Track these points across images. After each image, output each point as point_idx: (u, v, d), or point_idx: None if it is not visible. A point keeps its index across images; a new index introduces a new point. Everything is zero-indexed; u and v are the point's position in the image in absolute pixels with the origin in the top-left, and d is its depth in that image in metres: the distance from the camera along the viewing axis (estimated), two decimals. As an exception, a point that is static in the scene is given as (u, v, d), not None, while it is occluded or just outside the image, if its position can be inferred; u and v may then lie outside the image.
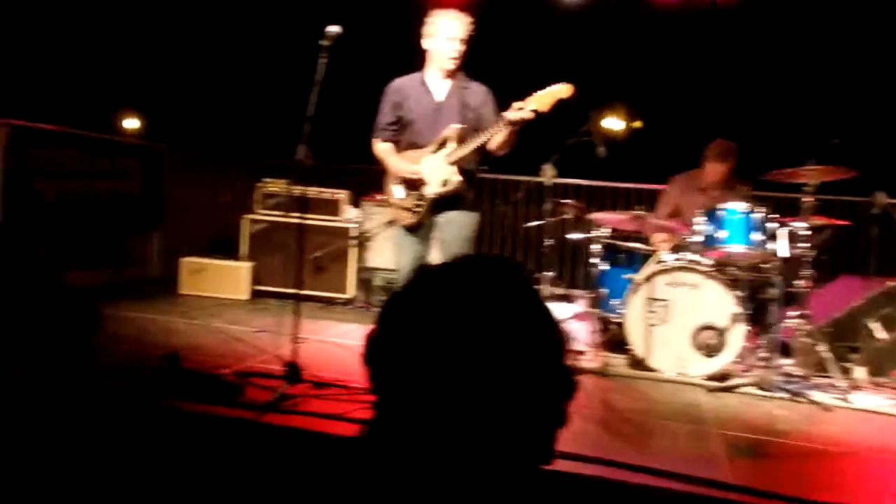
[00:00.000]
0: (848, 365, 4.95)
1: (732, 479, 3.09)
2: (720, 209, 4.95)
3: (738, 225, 4.88)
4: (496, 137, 4.18)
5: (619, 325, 5.12)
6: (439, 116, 4.35)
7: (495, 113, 4.31)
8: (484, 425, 0.90)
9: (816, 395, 4.50)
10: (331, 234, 6.79)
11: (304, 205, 6.53)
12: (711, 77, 8.29)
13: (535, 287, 1.00)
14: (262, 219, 6.86)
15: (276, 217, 6.83)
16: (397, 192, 4.42)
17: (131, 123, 12.76)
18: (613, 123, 12.92)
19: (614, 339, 5.26)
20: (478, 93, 4.39)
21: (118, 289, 6.51)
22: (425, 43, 4.34)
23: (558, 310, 5.47)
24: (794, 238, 4.81)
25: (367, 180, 8.10)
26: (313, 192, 6.85)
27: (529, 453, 0.95)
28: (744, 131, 5.94)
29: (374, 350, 0.97)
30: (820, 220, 4.90)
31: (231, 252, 6.93)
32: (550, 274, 6.94)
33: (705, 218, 5.01)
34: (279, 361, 3.96)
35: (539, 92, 4.08)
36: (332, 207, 6.94)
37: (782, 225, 4.85)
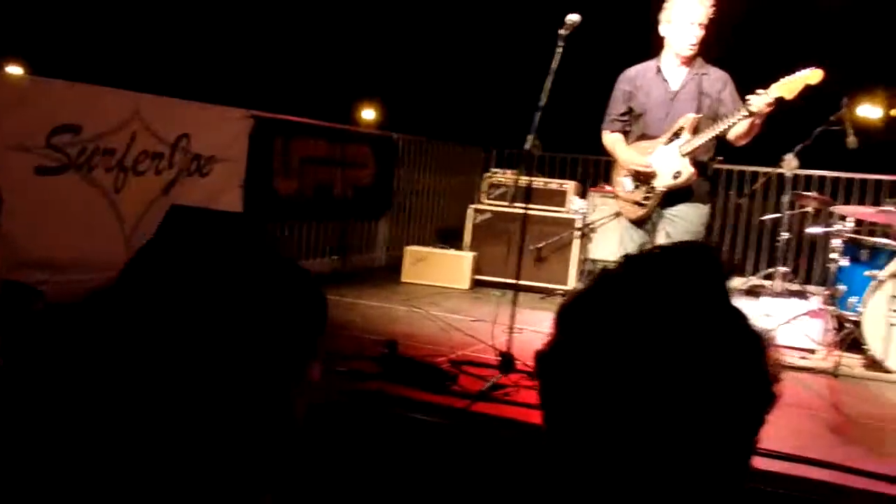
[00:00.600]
0: None
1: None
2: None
3: None
4: (736, 127, 4.02)
5: (857, 323, 4.84)
6: (674, 106, 4.21)
7: (735, 100, 4.14)
8: (670, 446, 0.81)
9: None
10: (555, 225, 6.88)
11: (530, 195, 6.73)
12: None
13: (729, 281, 0.89)
14: (487, 209, 7.04)
15: (501, 207, 6.98)
16: (626, 184, 4.34)
17: (368, 114, 13.62)
18: (869, 111, 11.91)
19: (850, 339, 4.97)
20: (716, 79, 4.21)
21: (344, 276, 6.68)
22: (662, 29, 4.19)
23: (791, 306, 5.35)
24: None
25: (595, 171, 8.19)
26: (540, 182, 6.94)
27: (725, 475, 0.85)
28: None
29: (549, 360, 0.89)
30: None
31: (456, 241, 7.19)
32: (784, 269, 6.65)
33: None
34: (494, 351, 3.99)
35: (785, 77, 3.90)
36: (558, 198, 7.02)
37: None
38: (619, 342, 0.83)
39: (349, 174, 7.09)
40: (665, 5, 4.16)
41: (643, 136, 4.32)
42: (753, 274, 7.54)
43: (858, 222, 5.50)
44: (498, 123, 7.58)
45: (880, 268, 4.87)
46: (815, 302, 5.50)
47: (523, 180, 4.58)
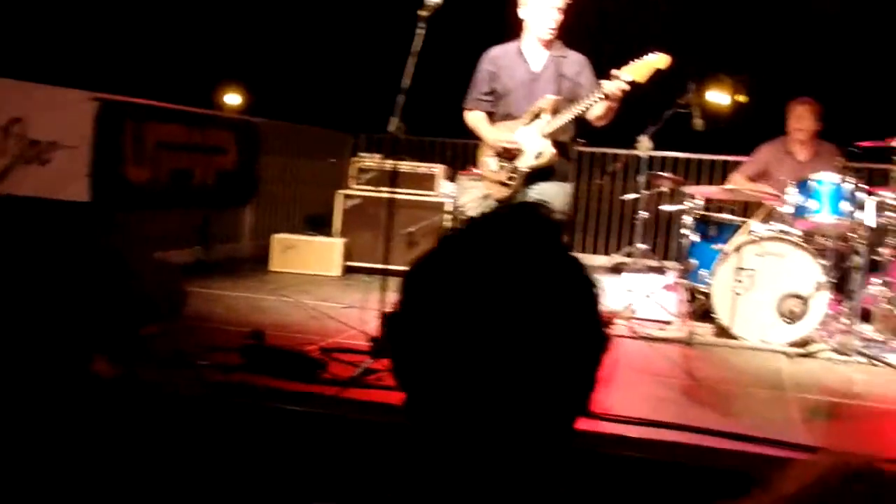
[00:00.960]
0: None
1: (807, 440, 3.15)
2: (811, 179, 4.96)
3: (829, 195, 4.89)
4: (594, 109, 4.17)
5: (707, 295, 5.15)
6: (535, 87, 4.33)
7: (593, 83, 4.29)
8: (515, 388, 0.85)
9: (893, 359, 4.52)
10: (426, 209, 6.90)
11: (397, 179, 6.75)
12: (815, 51, 8.04)
13: (564, 236, 0.94)
14: (356, 194, 6.99)
15: (370, 192, 6.94)
16: (491, 164, 4.43)
17: (233, 99, 13.18)
18: (718, 97, 12.62)
19: (702, 309, 5.30)
20: (575, 62, 4.36)
21: (209, 267, 6.49)
22: (522, 11, 4.30)
23: (649, 281, 5.63)
24: (881, 208, 4.84)
25: (463, 154, 8.31)
26: (408, 166, 6.96)
27: (566, 411, 0.91)
28: (833, 103, 5.83)
29: (397, 326, 0.91)
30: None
31: (325, 228, 7.09)
32: (643, 246, 6.98)
33: (796, 188, 5.03)
34: (366, 337, 3.95)
35: (635, 61, 4.10)
36: (427, 182, 7.05)
37: (870, 194, 4.86)
38: (459, 297, 0.86)
39: (210, 160, 6.84)
40: None
41: (507, 116, 4.41)
42: (616, 251, 7.89)
43: (708, 200, 5.86)
44: (366, 107, 7.53)
45: (726, 241, 5.20)
46: (671, 276, 5.82)
47: (390, 164, 4.59)
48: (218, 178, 6.94)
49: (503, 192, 4.41)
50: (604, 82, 4.10)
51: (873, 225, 4.83)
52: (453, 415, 0.87)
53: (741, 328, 4.93)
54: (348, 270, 6.78)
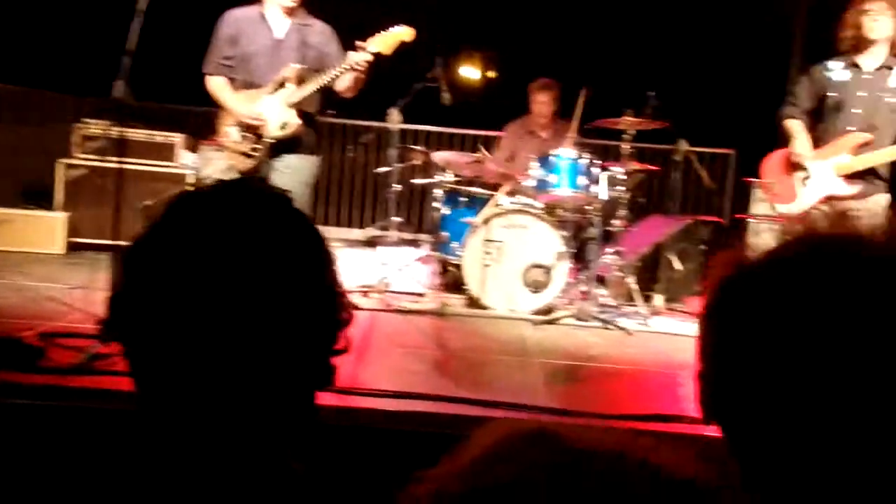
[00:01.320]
0: (650, 294, 5.45)
1: (547, 402, 3.31)
2: (552, 155, 5.21)
3: (567, 170, 5.16)
4: (340, 80, 4.13)
5: (458, 266, 5.24)
6: (278, 54, 4.20)
7: (339, 53, 4.24)
8: (250, 357, 0.84)
9: (624, 322, 4.90)
10: (166, 181, 6.49)
11: (131, 149, 6.21)
12: (562, 30, 8.52)
13: (291, 209, 0.93)
14: (81, 164, 6.39)
15: (97, 162, 6.37)
16: (233, 133, 4.28)
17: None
18: (468, 72, 13.07)
19: (454, 281, 5.39)
20: (320, 32, 4.28)
21: None
22: None
23: (405, 254, 5.64)
24: (612, 182, 5.20)
25: (206, 123, 7.83)
26: (143, 135, 6.52)
27: (307, 379, 0.90)
28: (573, 83, 6.19)
29: (120, 307, 0.88)
30: (635, 166, 5.36)
31: (45, 201, 6.43)
32: (397, 219, 7.00)
33: (538, 163, 5.25)
34: (94, 319, 3.72)
35: (381, 33, 4.09)
36: (166, 152, 6.65)
37: (603, 169, 5.21)
38: (184, 271, 0.83)
39: None
40: None
41: (249, 84, 4.25)
42: (370, 225, 7.88)
43: (457, 174, 5.98)
44: (92, 68, 6.84)
45: (476, 214, 5.33)
46: (424, 249, 5.88)
47: (118, 132, 4.21)
48: None
49: (246, 164, 4.26)
50: (350, 53, 4.07)
51: (605, 198, 5.19)
52: (184, 395, 0.84)
53: (490, 298, 5.08)
54: (74, 248, 6.19)
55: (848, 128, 4.19)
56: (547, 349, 4.28)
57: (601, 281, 5.46)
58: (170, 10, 3.77)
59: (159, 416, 0.86)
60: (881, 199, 4.24)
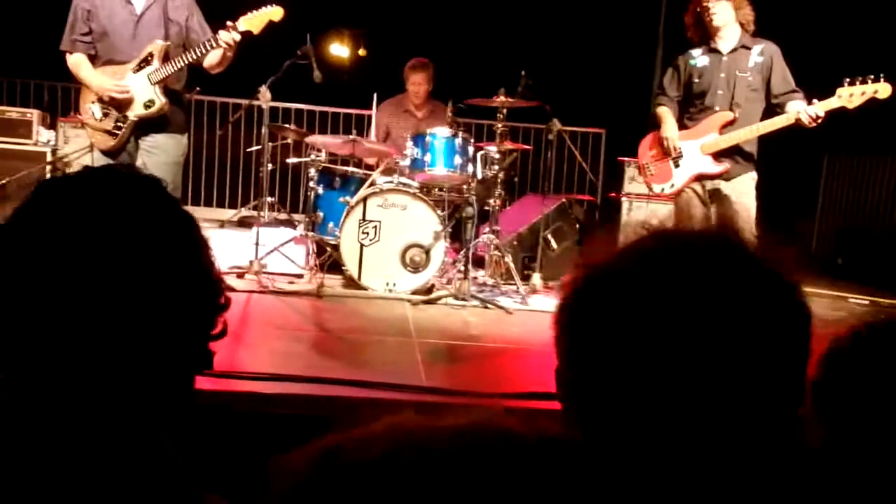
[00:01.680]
0: (528, 273, 5.56)
1: (427, 382, 3.34)
2: (427, 134, 5.23)
3: (442, 149, 5.20)
4: (209, 57, 4.06)
5: (336, 247, 5.20)
6: (139, 30, 4.07)
7: (203, 27, 4.17)
8: (124, 343, 0.83)
9: (503, 301, 5.00)
10: (22, 159, 6.18)
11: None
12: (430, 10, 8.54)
13: (162, 194, 0.92)
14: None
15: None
16: (95, 111, 4.12)
17: None
18: (339, 50, 12.92)
19: (330, 261, 5.34)
20: (182, 5, 4.17)
21: None
22: None
23: (279, 235, 5.54)
24: (487, 161, 5.28)
25: (66, 98, 7.44)
26: (-5, 110, 6.14)
27: (185, 363, 0.90)
28: (446, 62, 6.25)
29: None
30: (509, 145, 5.45)
31: None
32: (271, 199, 6.86)
33: (413, 142, 5.27)
34: None
35: (250, 13, 4.06)
36: (22, 129, 6.29)
37: (478, 149, 5.29)
38: (48, 259, 0.81)
39: None
40: None
41: (110, 61, 4.11)
42: (243, 206, 7.69)
43: (331, 153, 5.93)
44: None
45: (352, 194, 5.29)
46: (300, 229, 5.79)
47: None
48: None
49: (109, 142, 4.12)
50: (220, 32, 4.02)
51: (481, 177, 5.27)
52: (54, 379, 0.82)
53: (369, 278, 5.07)
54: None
55: (715, 108, 4.45)
56: (427, 329, 4.31)
57: (479, 260, 5.58)
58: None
59: (27, 399, 0.84)
60: (748, 179, 4.48)
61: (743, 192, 4.46)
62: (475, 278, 5.26)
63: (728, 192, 4.47)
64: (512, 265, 5.27)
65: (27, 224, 0.85)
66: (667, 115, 4.61)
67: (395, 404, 3.12)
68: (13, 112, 6.29)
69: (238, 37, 4.01)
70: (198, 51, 4.02)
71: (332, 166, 5.60)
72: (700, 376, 0.72)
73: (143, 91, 4.04)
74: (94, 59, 4.14)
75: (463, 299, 4.90)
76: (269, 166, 6.02)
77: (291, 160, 6.24)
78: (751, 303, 0.74)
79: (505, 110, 5.26)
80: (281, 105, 7.67)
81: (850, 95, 4.10)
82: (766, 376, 0.74)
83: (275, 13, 4.15)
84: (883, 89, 4.10)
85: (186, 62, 4.06)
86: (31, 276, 0.82)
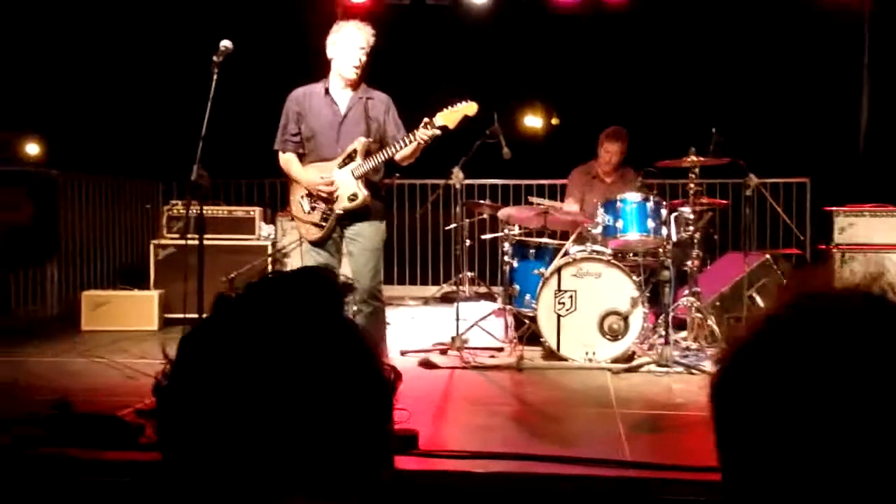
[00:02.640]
0: None
1: (630, 456, 3.26)
2: (618, 200, 5.23)
3: (633, 214, 5.18)
4: (402, 151, 4.30)
5: (533, 319, 5.25)
6: (343, 128, 4.39)
7: (397, 123, 4.43)
8: (294, 459, 0.84)
9: (708, 366, 4.76)
10: (248, 253, 6.74)
11: (214, 225, 6.51)
12: (612, 74, 8.59)
13: (340, 299, 0.94)
14: (170, 243, 6.70)
15: (186, 241, 6.71)
16: (304, 205, 4.43)
17: (32, 149, 12.40)
18: (533, 121, 13.21)
19: (529, 333, 5.39)
20: (380, 102, 4.46)
21: (10, 331, 6.00)
22: (329, 52, 4.38)
23: (480, 309, 5.70)
24: (681, 222, 5.18)
25: (282, 195, 8.17)
26: (223, 211, 6.83)
27: (361, 471, 0.89)
28: (635, 124, 6.23)
29: (167, 390, 0.88)
30: (705, 201, 5.34)
31: (140, 280, 6.77)
32: (470, 274, 7.07)
33: (604, 209, 5.28)
34: None
35: (447, 109, 4.29)
36: (247, 226, 6.91)
37: (672, 210, 5.20)
38: (234, 364, 0.84)
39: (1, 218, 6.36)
40: (332, 29, 4.38)
41: (319, 159, 4.43)
42: (445, 282, 7.98)
43: (524, 226, 6.05)
44: (176, 153, 7.25)
45: (546, 265, 5.35)
46: (499, 303, 5.91)
47: (197, 209, 4.44)
48: (12, 236, 6.46)
49: (316, 234, 4.41)
50: (419, 130, 4.23)
51: (676, 238, 5.16)
52: (228, 488, 0.83)
53: (568, 349, 5.06)
54: (168, 323, 6.46)
55: None
56: (629, 399, 4.22)
57: (681, 324, 5.41)
58: (236, 95, 4.03)
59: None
60: None
61: None
62: (677, 343, 5.10)
63: None
64: (716, 327, 5.06)
65: (212, 333, 0.89)
66: None
67: (597, 481, 3.09)
68: (239, 211, 6.97)
69: (437, 132, 4.23)
70: (396, 146, 4.29)
71: (526, 238, 5.71)
72: (847, 452, 0.69)
73: (347, 185, 4.33)
74: (302, 157, 4.48)
75: (665, 365, 4.76)
76: (467, 242, 6.24)
77: (487, 236, 6.42)
78: None
79: (697, 169, 5.15)
80: (476, 182, 7.95)
81: None
82: None
83: (470, 108, 4.35)
84: None
85: (385, 157, 4.32)
86: (205, 386, 0.85)
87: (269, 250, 6.82)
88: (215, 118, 4.14)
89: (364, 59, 4.34)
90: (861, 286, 0.75)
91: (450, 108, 4.31)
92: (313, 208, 4.40)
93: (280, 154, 4.52)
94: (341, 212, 4.35)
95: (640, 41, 8.53)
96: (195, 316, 5.88)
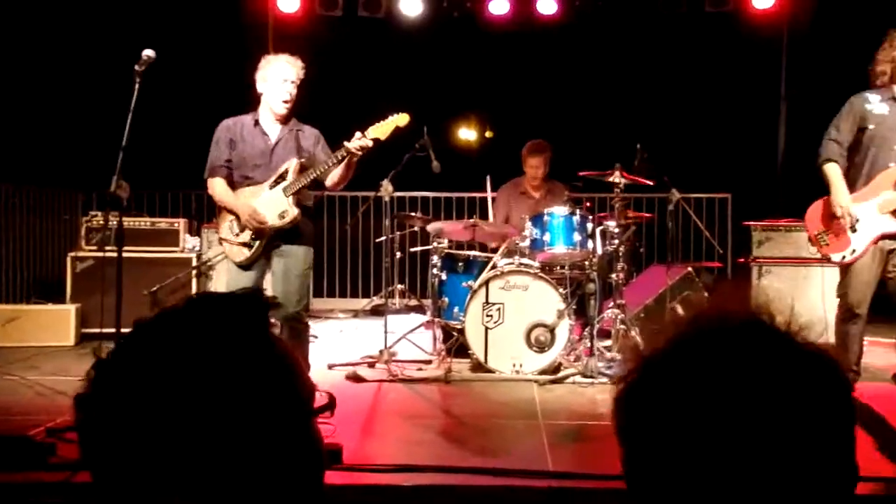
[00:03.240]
0: None
1: (554, 467, 3.30)
2: (545, 213, 5.29)
3: (560, 227, 5.26)
4: (332, 174, 4.28)
5: (461, 331, 5.26)
6: (275, 154, 4.34)
7: (328, 151, 4.39)
8: (232, 476, 0.86)
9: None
10: (172, 266, 6.57)
11: (137, 237, 6.33)
12: (544, 88, 8.73)
13: (263, 319, 0.94)
14: (89, 255, 6.48)
15: (104, 253, 6.50)
16: (233, 227, 4.35)
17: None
18: (467, 133, 13.29)
19: (457, 345, 5.40)
20: (310, 135, 4.44)
21: None
22: (259, 87, 4.34)
23: (409, 321, 5.68)
24: (607, 235, 5.28)
25: (209, 206, 8.02)
26: (146, 222, 6.66)
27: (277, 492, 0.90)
28: (566, 138, 6.33)
29: (88, 404, 0.88)
30: (630, 214, 5.48)
31: (57, 294, 6.54)
32: (400, 287, 7.05)
33: (531, 222, 5.34)
34: None
35: (379, 122, 4.27)
36: (171, 238, 6.74)
37: (598, 224, 5.30)
38: (153, 382, 0.85)
39: None
40: (261, 64, 4.34)
41: (249, 183, 4.36)
42: (374, 294, 7.94)
43: (452, 239, 6.08)
44: (97, 164, 7.03)
45: (475, 278, 5.37)
46: (427, 315, 5.92)
47: (116, 221, 4.28)
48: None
49: (244, 255, 4.30)
50: (351, 143, 4.18)
51: (602, 252, 5.26)
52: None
53: (495, 361, 5.09)
54: (85, 338, 6.23)
55: (890, 164, 4.04)
56: (554, 410, 4.26)
57: (607, 335, 5.50)
58: (158, 104, 3.92)
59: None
60: None
61: None
62: (602, 354, 5.18)
63: None
64: (639, 339, 5.15)
65: (128, 361, 0.89)
66: (836, 177, 4.12)
67: (521, 492, 3.10)
68: (163, 222, 6.80)
69: (369, 143, 4.20)
70: (329, 162, 4.24)
71: (454, 252, 5.72)
72: (743, 462, 0.75)
73: (278, 203, 4.26)
74: (233, 185, 4.39)
75: (590, 376, 4.83)
76: (397, 255, 6.22)
77: (417, 248, 6.42)
78: (786, 386, 0.76)
79: (623, 183, 5.26)
80: (407, 194, 7.96)
81: None
82: (813, 456, 0.75)
83: (401, 119, 4.34)
84: None
85: (318, 173, 4.26)
86: (127, 404, 0.86)
87: (194, 263, 6.66)
88: (141, 128, 4.02)
89: (294, 92, 4.31)
90: (752, 312, 0.83)
91: (382, 121, 4.31)
92: (243, 229, 4.30)
93: (210, 180, 4.42)
94: (271, 231, 4.26)
95: (571, 57, 8.69)
96: (113, 331, 5.72)
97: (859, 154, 4.12)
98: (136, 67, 3.94)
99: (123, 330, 3.86)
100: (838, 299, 4.23)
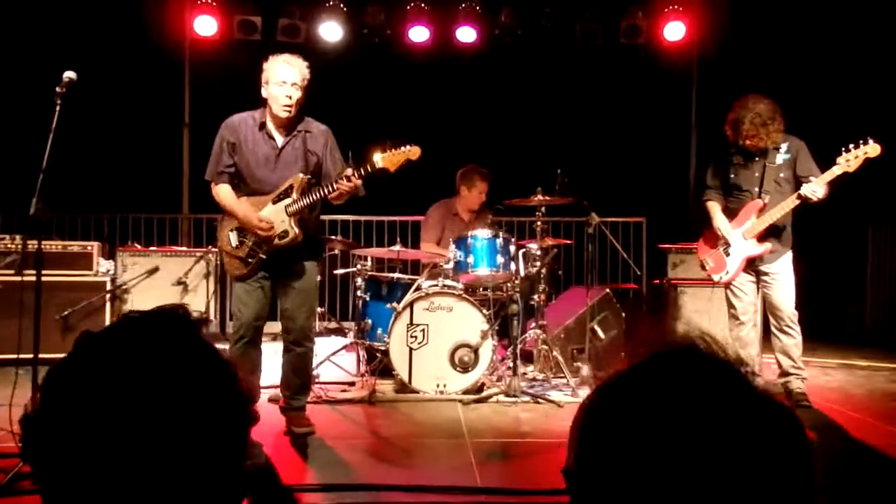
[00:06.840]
0: (577, 365, 5.54)
1: (481, 483, 3.35)
2: (469, 236, 5.38)
3: (484, 250, 5.34)
4: (333, 194, 4.03)
5: (386, 352, 5.27)
6: (280, 162, 4.13)
7: (336, 156, 4.22)
8: (164, 482, 0.88)
9: (553, 395, 5.01)
10: (85, 290, 6.38)
11: (49, 261, 6.11)
12: (466, 114, 8.85)
13: (197, 331, 0.98)
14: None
15: (13, 277, 6.26)
16: (232, 239, 4.16)
17: None
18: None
19: (381, 367, 5.41)
20: (319, 135, 4.22)
21: None
22: (263, 91, 4.13)
23: (331, 344, 5.65)
24: (529, 258, 5.42)
25: (123, 229, 7.83)
26: (58, 245, 6.45)
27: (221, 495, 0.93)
28: (487, 164, 6.44)
29: (32, 423, 0.91)
30: (550, 241, 5.61)
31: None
32: (320, 309, 6.99)
33: (455, 244, 5.42)
34: (14, 438, 3.53)
35: (390, 151, 4.05)
36: (84, 261, 6.54)
37: (519, 247, 5.42)
38: (95, 398, 0.88)
39: None
40: (264, 67, 4.13)
41: (253, 192, 4.16)
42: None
43: (379, 260, 6.10)
44: (10, 186, 6.78)
45: (399, 300, 5.40)
46: (350, 337, 5.91)
47: (32, 245, 4.09)
48: None
49: (240, 270, 4.14)
50: (343, 177, 3.97)
51: (524, 274, 5.37)
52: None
53: (419, 381, 5.12)
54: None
55: (749, 199, 4.93)
56: (479, 429, 4.32)
57: (528, 356, 5.61)
58: (71, 125, 3.77)
59: None
60: (786, 259, 4.95)
61: (782, 271, 4.92)
62: (525, 374, 5.28)
63: (772, 272, 4.92)
64: (560, 358, 5.28)
65: (69, 378, 0.91)
66: (715, 209, 5.07)
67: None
68: (75, 246, 6.58)
69: (358, 182, 3.97)
70: (329, 188, 4.02)
71: (378, 274, 5.74)
72: (687, 489, 0.80)
73: (280, 223, 4.06)
74: (235, 187, 4.19)
75: (514, 396, 4.91)
76: (318, 278, 6.18)
77: (339, 271, 6.41)
78: (724, 409, 0.82)
79: (543, 208, 5.39)
80: (328, 217, 7.93)
81: (848, 161, 4.63)
82: (756, 480, 0.80)
83: (413, 153, 4.09)
84: (873, 150, 4.63)
85: (321, 196, 4.06)
86: (74, 418, 0.88)
87: (108, 286, 6.47)
88: (54, 150, 3.90)
89: (296, 95, 4.07)
90: (689, 340, 0.90)
91: (393, 150, 4.08)
92: (241, 243, 4.13)
93: (215, 186, 4.20)
94: (269, 250, 4.09)
95: (492, 84, 8.85)
96: (30, 356, 5.48)
97: (730, 195, 5.05)
98: (57, 89, 3.76)
99: (42, 356, 3.70)
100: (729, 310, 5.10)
